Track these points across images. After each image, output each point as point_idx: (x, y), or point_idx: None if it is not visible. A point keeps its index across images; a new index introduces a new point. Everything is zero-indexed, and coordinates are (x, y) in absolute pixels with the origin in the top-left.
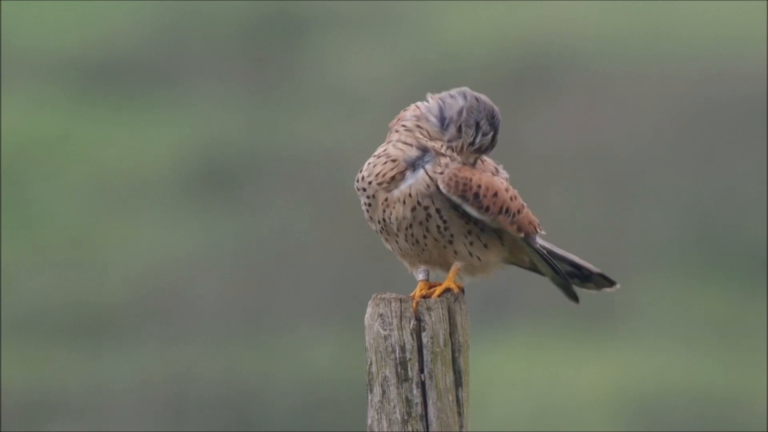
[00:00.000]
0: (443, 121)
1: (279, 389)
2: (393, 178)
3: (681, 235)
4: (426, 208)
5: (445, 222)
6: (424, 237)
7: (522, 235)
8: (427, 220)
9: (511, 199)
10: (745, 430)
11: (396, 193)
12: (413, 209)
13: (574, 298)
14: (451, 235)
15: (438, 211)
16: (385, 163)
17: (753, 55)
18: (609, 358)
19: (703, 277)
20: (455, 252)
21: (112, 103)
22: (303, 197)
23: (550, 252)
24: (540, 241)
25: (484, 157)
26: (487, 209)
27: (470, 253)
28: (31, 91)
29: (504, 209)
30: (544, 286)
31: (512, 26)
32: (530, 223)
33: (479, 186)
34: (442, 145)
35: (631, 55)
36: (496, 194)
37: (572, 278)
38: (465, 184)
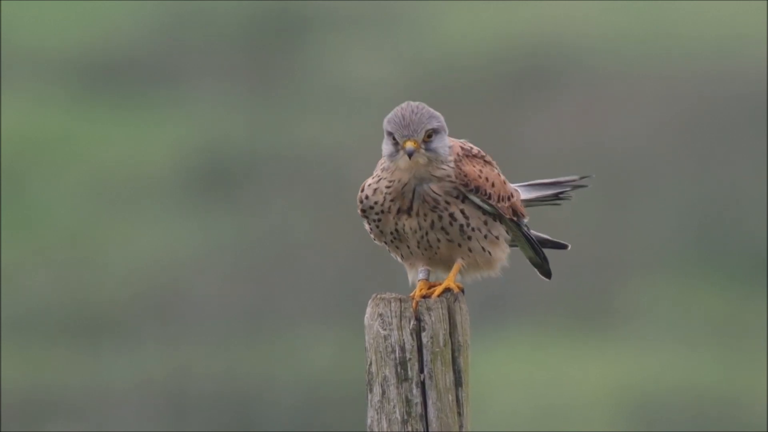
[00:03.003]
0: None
1: (279, 389)
2: (402, 199)
3: (681, 235)
4: (452, 213)
5: (467, 219)
6: (438, 241)
7: (515, 219)
8: (451, 225)
9: (503, 183)
10: (745, 429)
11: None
12: (438, 218)
13: (548, 274)
14: (472, 230)
15: (462, 211)
16: (384, 192)
17: (753, 54)
18: (609, 358)
19: (704, 277)
20: (469, 249)
21: (113, 102)
22: (303, 197)
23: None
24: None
25: (470, 145)
26: (489, 197)
27: (483, 248)
28: (31, 91)
29: (501, 197)
30: (543, 285)
31: (512, 26)
32: (520, 206)
33: (479, 177)
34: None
35: (631, 55)
36: (494, 184)
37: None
38: (466, 176)
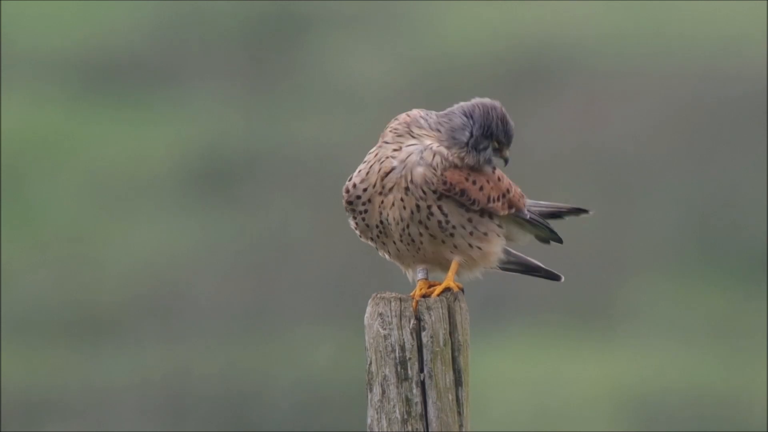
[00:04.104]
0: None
1: (279, 388)
2: (387, 174)
3: (681, 235)
4: (429, 206)
5: (446, 216)
6: (420, 235)
7: (513, 211)
8: (429, 219)
9: (498, 180)
10: (745, 429)
11: (394, 178)
12: (416, 207)
13: (559, 240)
14: (453, 227)
15: (440, 207)
16: (376, 164)
17: (753, 54)
18: (608, 357)
19: (703, 276)
20: (455, 246)
21: (112, 101)
22: (302, 196)
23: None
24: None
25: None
26: (475, 202)
27: (470, 245)
28: (31, 90)
29: (491, 198)
30: (543, 285)
31: (512, 26)
32: (521, 197)
33: (465, 180)
34: (436, 144)
35: (631, 55)
36: (481, 188)
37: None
38: (450, 182)
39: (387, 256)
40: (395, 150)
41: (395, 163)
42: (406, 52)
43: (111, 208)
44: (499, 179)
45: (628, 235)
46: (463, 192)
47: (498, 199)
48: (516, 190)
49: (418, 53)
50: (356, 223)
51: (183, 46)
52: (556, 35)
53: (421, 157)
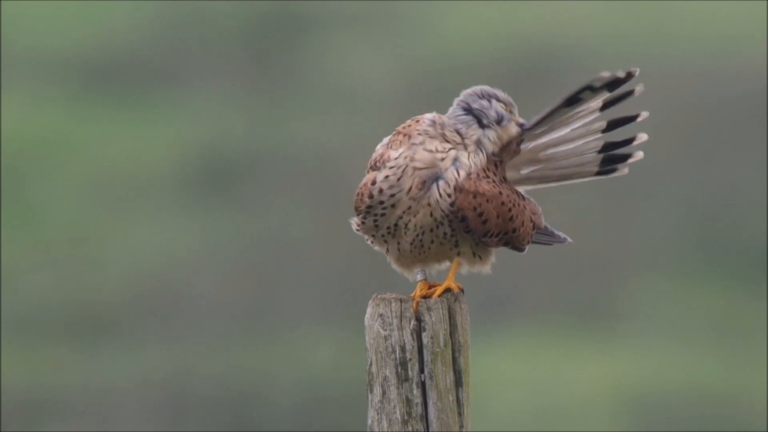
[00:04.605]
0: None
1: (279, 389)
2: (423, 184)
3: (681, 235)
4: (441, 217)
5: (453, 230)
6: (431, 242)
7: (509, 247)
8: (437, 227)
9: (510, 219)
10: (745, 429)
11: (426, 198)
12: (432, 217)
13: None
14: (456, 241)
15: (450, 222)
16: (409, 169)
17: (753, 54)
18: (609, 358)
19: (703, 276)
20: (459, 254)
21: (112, 102)
22: (303, 196)
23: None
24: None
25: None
26: (471, 231)
27: (474, 254)
28: (31, 90)
29: (490, 233)
30: (543, 285)
31: (512, 26)
32: (527, 235)
33: (473, 209)
34: (469, 143)
35: (631, 55)
36: (485, 221)
37: None
38: (457, 206)
39: (378, 248)
40: (430, 152)
41: (434, 170)
42: (406, 52)
43: (111, 208)
44: (511, 218)
45: (629, 235)
46: (464, 218)
47: (495, 236)
48: (525, 230)
49: (418, 53)
50: (363, 222)
51: (183, 46)
52: (556, 35)
53: (454, 167)
